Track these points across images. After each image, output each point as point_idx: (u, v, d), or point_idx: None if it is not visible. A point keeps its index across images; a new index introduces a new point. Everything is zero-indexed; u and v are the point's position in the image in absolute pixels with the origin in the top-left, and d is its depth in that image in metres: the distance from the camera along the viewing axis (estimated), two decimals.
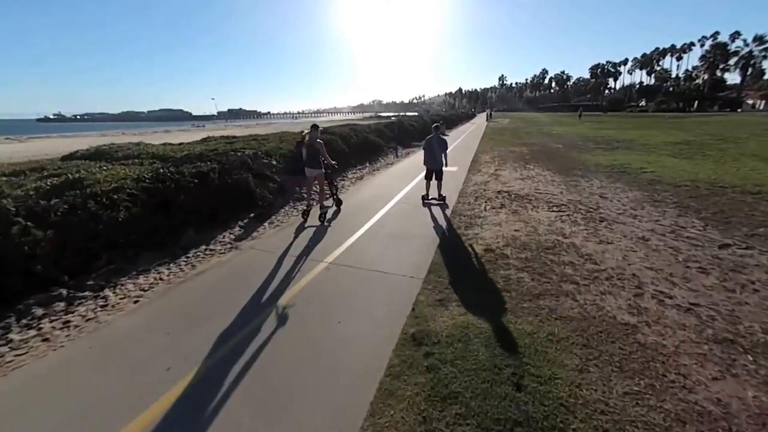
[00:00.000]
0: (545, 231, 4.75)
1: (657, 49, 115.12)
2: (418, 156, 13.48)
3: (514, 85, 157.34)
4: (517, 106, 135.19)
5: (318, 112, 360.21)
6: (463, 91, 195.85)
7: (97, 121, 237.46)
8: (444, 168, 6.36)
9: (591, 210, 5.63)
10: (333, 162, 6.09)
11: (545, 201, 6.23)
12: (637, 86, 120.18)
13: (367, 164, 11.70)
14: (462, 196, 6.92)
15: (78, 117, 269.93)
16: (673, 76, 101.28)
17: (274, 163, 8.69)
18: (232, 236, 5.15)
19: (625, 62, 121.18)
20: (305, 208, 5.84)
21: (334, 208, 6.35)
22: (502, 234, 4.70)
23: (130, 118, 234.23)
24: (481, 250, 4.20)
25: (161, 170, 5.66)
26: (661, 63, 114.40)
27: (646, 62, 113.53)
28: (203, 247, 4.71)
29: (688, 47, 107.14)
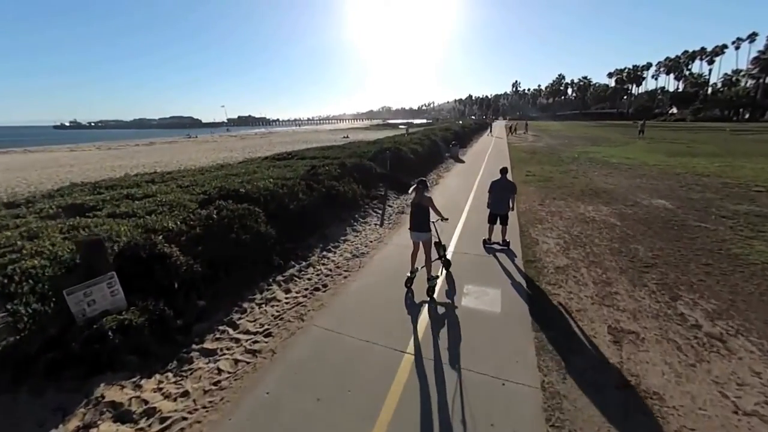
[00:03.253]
0: None
1: (686, 52, 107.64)
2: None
3: (526, 91, 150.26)
4: (531, 114, 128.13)
5: (326, 119, 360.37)
6: (473, 98, 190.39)
7: (110, 128, 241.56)
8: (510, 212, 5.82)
9: None
10: (446, 218, 4.69)
11: None
12: (659, 91, 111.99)
13: (315, 252, 5.91)
14: None
15: (92, 124, 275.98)
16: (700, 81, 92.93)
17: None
18: None
19: (647, 66, 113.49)
20: (409, 275, 4.59)
21: (444, 272, 4.90)
22: None
23: (142, 125, 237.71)
24: None
25: None
26: (690, 67, 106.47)
27: (675, 66, 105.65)
28: None
29: (720, 50, 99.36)
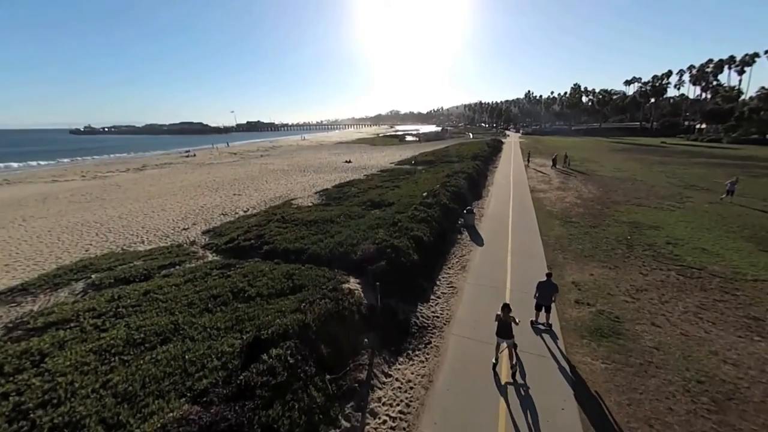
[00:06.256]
0: None
1: (711, 60, 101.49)
2: None
3: (539, 98, 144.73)
4: (545, 124, 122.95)
5: (334, 123, 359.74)
6: (483, 104, 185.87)
7: (123, 133, 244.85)
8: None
9: None
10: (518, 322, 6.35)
11: None
12: (679, 99, 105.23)
13: None
14: None
15: (106, 129, 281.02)
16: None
17: None
18: None
19: (668, 74, 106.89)
20: (494, 361, 6.44)
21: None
22: None
23: (153, 130, 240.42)
24: None
25: None
26: (717, 77, 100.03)
27: (701, 76, 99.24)
28: None
29: (751, 59, 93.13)
